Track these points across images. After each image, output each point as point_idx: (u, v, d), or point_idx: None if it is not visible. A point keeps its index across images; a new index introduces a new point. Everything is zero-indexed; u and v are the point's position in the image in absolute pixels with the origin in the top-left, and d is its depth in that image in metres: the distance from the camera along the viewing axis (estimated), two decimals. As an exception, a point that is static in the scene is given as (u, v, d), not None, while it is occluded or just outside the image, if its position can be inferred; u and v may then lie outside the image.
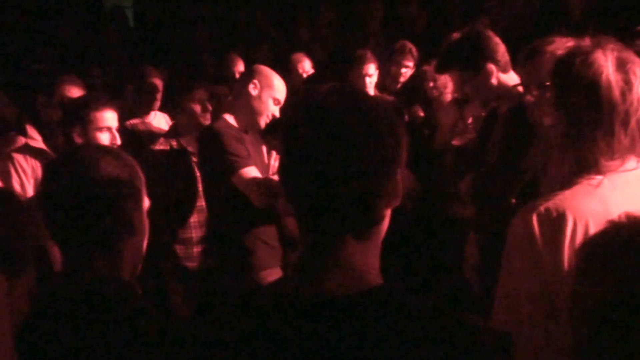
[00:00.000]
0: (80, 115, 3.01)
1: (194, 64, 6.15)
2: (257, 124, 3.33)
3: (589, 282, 1.29)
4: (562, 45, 2.18)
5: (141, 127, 4.39)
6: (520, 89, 2.74)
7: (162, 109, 4.56)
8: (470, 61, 3.00)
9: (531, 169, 2.69)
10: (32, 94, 3.86)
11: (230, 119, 3.33)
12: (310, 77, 5.09)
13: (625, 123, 1.59)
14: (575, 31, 1.87)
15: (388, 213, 1.22)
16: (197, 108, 3.77)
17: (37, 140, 3.58)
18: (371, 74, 4.54)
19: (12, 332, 1.82)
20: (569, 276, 1.52)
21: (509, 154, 2.87)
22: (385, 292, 1.17)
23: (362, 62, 4.53)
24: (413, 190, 3.78)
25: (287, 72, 5.03)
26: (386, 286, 1.18)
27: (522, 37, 3.97)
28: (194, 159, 3.62)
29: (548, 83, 1.73)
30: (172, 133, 3.86)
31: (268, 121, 3.32)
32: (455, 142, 4.06)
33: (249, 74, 3.40)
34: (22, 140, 3.61)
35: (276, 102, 3.33)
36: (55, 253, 1.59)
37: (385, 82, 4.88)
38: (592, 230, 1.53)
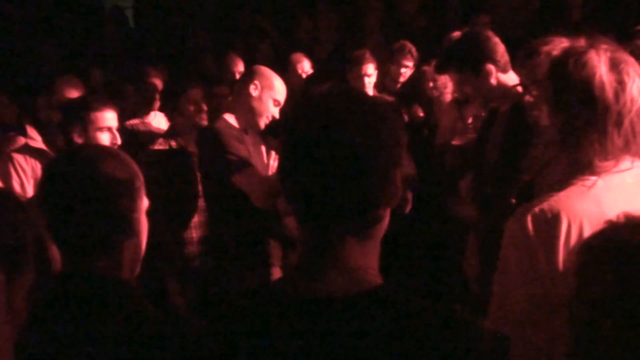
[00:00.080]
0: (80, 115, 3.01)
1: (194, 64, 6.15)
2: (256, 124, 3.33)
3: (588, 282, 1.29)
4: (558, 45, 2.19)
5: (141, 127, 4.39)
6: (520, 89, 2.74)
7: (162, 109, 4.56)
8: (469, 62, 3.00)
9: (531, 169, 2.69)
10: (31, 95, 3.86)
11: (230, 119, 3.33)
12: (309, 77, 5.09)
13: (619, 123, 1.58)
14: (574, 31, 1.87)
15: (387, 213, 1.22)
16: (191, 108, 3.76)
17: (37, 141, 3.58)
18: (370, 74, 4.54)
19: (12, 333, 1.82)
20: (564, 276, 1.52)
21: (509, 154, 2.87)
22: (384, 292, 1.17)
23: (360, 62, 4.53)
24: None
25: (287, 72, 5.03)
26: (386, 286, 1.18)
27: (522, 37, 3.97)
28: (194, 159, 3.62)
29: (543, 83, 1.74)
30: (170, 133, 3.85)
31: (268, 122, 3.32)
32: (455, 142, 4.06)
33: (250, 75, 3.40)
34: (22, 141, 3.61)
35: (276, 103, 3.33)
36: (55, 253, 1.59)
37: (384, 82, 4.88)
38: (587, 231, 1.54)
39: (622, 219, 1.33)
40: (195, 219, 3.69)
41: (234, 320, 1.20)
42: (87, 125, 3.00)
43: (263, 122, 3.32)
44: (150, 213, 1.61)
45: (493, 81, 2.99)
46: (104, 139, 3.00)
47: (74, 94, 3.63)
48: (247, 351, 1.16)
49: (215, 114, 3.66)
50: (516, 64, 2.84)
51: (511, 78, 2.99)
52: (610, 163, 1.61)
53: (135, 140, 4.06)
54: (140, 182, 1.55)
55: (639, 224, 1.31)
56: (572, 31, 1.83)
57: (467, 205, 3.29)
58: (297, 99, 3.97)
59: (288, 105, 3.41)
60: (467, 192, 3.15)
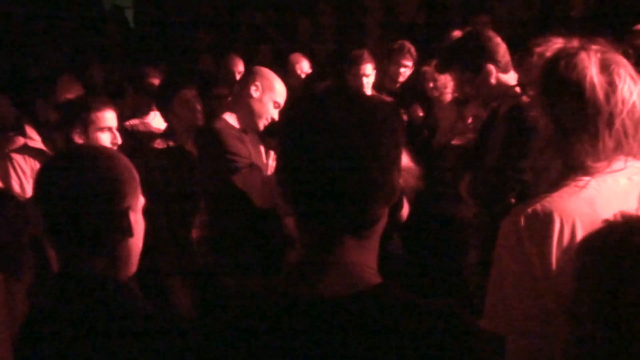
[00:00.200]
0: (80, 116, 3.00)
1: (194, 64, 6.16)
2: (256, 125, 3.33)
3: (588, 282, 1.29)
4: (551, 46, 2.19)
5: (141, 127, 4.38)
6: (518, 89, 2.75)
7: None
8: (470, 61, 3.00)
9: (531, 169, 2.69)
10: (31, 95, 3.86)
11: (229, 119, 3.33)
12: (308, 76, 5.09)
13: (610, 124, 1.59)
14: (574, 31, 1.87)
15: (386, 212, 1.21)
16: (184, 109, 3.74)
17: (36, 141, 3.58)
18: (368, 74, 4.54)
19: (11, 333, 1.82)
20: (558, 276, 1.53)
21: (509, 154, 2.87)
22: (384, 291, 1.17)
23: (359, 62, 4.52)
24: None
25: (287, 72, 5.03)
26: (385, 285, 1.18)
27: (522, 37, 3.97)
28: (193, 159, 3.61)
29: (536, 84, 1.74)
30: (168, 133, 3.85)
31: (267, 123, 3.32)
32: (455, 142, 4.06)
33: (251, 76, 3.40)
34: (21, 141, 3.61)
35: (276, 105, 3.33)
36: (54, 253, 1.59)
37: (384, 81, 4.87)
38: (580, 231, 1.54)
39: (619, 219, 1.34)
40: (195, 219, 3.69)
41: (234, 320, 1.20)
42: (88, 126, 2.99)
43: (262, 124, 3.32)
44: (150, 213, 1.61)
45: (493, 81, 2.99)
46: (105, 139, 3.00)
47: (73, 94, 3.63)
48: (246, 351, 1.15)
49: (214, 114, 3.66)
50: (515, 64, 2.84)
51: (512, 78, 2.99)
52: (603, 164, 1.61)
53: (134, 140, 4.06)
54: (137, 182, 1.54)
55: (636, 223, 1.32)
56: (571, 31, 1.83)
57: (467, 205, 3.29)
58: (294, 99, 3.97)
59: (286, 105, 3.41)
60: (467, 192, 3.15)
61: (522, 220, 1.59)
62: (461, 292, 3.41)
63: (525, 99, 2.56)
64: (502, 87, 2.98)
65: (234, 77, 4.86)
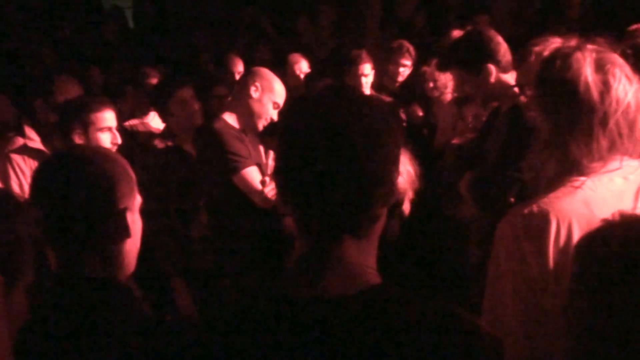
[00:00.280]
0: (80, 117, 3.00)
1: (193, 64, 6.15)
2: (255, 126, 3.33)
3: (586, 281, 1.29)
4: (549, 46, 2.20)
5: (140, 127, 4.39)
6: (516, 89, 2.75)
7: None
8: (470, 61, 3.00)
9: (530, 169, 2.69)
10: (30, 95, 3.86)
11: (229, 119, 3.33)
12: (308, 76, 5.09)
13: (604, 124, 1.59)
14: (573, 31, 1.88)
15: (385, 212, 1.21)
16: (181, 109, 3.73)
17: (35, 141, 3.58)
18: (367, 74, 4.54)
19: (11, 333, 1.81)
20: (554, 276, 1.53)
21: (509, 154, 2.87)
22: (383, 291, 1.17)
23: (357, 62, 4.52)
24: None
25: (286, 73, 5.03)
26: (384, 285, 1.18)
27: (522, 37, 3.97)
28: (191, 159, 3.61)
29: (533, 84, 1.74)
30: (166, 134, 3.85)
31: (266, 124, 3.32)
32: (455, 142, 4.06)
33: (250, 76, 3.40)
34: (20, 141, 3.62)
35: (276, 105, 3.33)
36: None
37: (383, 81, 4.88)
38: (576, 232, 1.55)
39: (617, 218, 1.34)
40: (195, 219, 3.68)
41: (233, 321, 1.19)
42: (88, 127, 2.99)
43: (262, 124, 3.33)
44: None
45: (493, 81, 2.99)
46: (105, 139, 3.00)
47: (72, 94, 3.63)
48: (246, 351, 1.15)
49: (214, 114, 3.65)
50: (515, 64, 2.84)
51: (512, 78, 2.99)
52: (598, 164, 1.61)
53: (133, 140, 4.06)
54: (134, 182, 1.54)
55: (635, 222, 1.32)
56: (571, 31, 1.83)
57: (467, 205, 3.29)
58: (293, 100, 3.97)
59: (285, 106, 3.41)
60: (467, 192, 3.15)
61: (519, 221, 1.60)
62: (461, 292, 3.41)
63: (522, 99, 2.56)
64: (503, 87, 2.98)
65: (234, 77, 4.87)
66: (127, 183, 1.52)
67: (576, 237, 1.52)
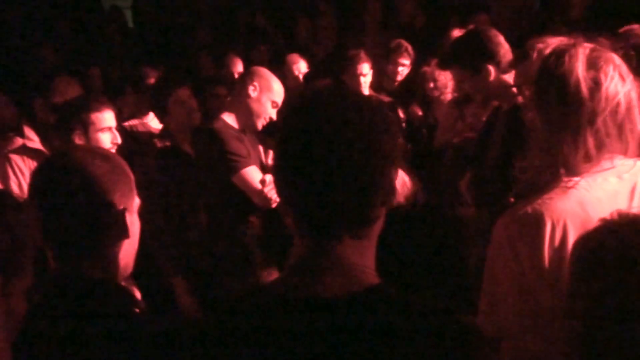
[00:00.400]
0: (80, 117, 2.99)
1: (193, 64, 6.15)
2: (254, 125, 3.33)
3: (584, 281, 1.29)
4: (550, 45, 2.19)
5: (140, 127, 4.39)
6: (515, 89, 2.75)
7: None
8: (470, 61, 3.00)
9: (530, 169, 2.69)
10: (30, 95, 3.86)
11: (228, 119, 3.33)
12: (307, 75, 5.09)
13: (591, 122, 1.58)
14: (574, 30, 1.87)
15: (383, 212, 1.21)
16: (179, 109, 3.73)
17: (34, 141, 3.59)
18: (365, 74, 4.53)
19: (9, 333, 1.81)
20: (551, 277, 1.53)
21: (509, 154, 2.86)
22: (382, 291, 1.17)
23: (355, 61, 4.52)
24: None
25: (284, 73, 5.02)
26: (383, 285, 1.18)
27: (522, 37, 3.97)
28: (190, 159, 3.61)
29: (532, 82, 1.74)
30: (164, 134, 3.84)
31: (265, 123, 3.31)
32: (455, 142, 4.06)
33: (249, 76, 3.40)
34: (19, 141, 3.62)
35: (274, 105, 3.33)
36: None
37: (382, 81, 4.87)
38: (571, 232, 1.54)
39: (615, 217, 1.33)
40: (195, 219, 3.68)
41: (233, 321, 1.19)
42: (87, 127, 2.99)
43: (260, 124, 3.32)
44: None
45: (492, 81, 2.99)
46: (105, 139, 3.00)
47: (72, 94, 3.62)
48: (246, 352, 1.15)
49: (213, 114, 3.65)
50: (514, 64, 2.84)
51: (512, 78, 2.99)
52: (592, 163, 1.61)
53: (133, 140, 4.05)
54: (132, 183, 1.54)
55: (633, 222, 1.31)
56: (571, 31, 1.82)
57: (467, 205, 3.29)
58: (291, 99, 3.96)
59: (284, 106, 3.41)
60: (467, 191, 3.14)
61: (514, 222, 1.59)
62: (461, 291, 3.41)
63: (520, 99, 2.56)
64: (502, 86, 2.98)
65: (233, 77, 4.86)
66: (125, 184, 1.51)
67: (571, 237, 1.52)
